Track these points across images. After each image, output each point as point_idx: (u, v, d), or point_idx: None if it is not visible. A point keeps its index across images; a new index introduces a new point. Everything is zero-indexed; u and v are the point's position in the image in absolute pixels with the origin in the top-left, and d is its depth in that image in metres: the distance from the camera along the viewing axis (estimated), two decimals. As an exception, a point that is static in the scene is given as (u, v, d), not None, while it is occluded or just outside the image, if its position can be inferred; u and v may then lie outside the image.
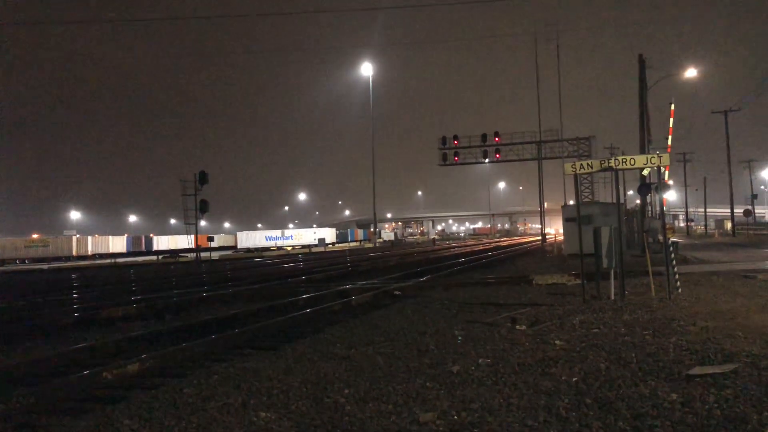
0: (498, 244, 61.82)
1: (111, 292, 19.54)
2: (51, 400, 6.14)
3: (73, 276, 32.09)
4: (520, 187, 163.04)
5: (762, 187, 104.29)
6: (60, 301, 17.10)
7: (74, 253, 67.82)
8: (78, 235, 77.55)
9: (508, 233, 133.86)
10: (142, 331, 10.37)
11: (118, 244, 75.28)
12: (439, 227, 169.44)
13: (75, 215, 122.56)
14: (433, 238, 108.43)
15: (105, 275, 32.95)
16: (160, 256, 64.00)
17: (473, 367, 6.55)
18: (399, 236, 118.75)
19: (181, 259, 55.95)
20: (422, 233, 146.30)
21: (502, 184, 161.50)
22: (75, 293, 20.05)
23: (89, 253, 69.31)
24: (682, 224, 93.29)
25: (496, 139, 48.26)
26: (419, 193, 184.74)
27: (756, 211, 66.46)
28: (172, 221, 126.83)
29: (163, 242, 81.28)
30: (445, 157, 49.38)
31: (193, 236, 48.49)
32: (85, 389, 6.57)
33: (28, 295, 19.74)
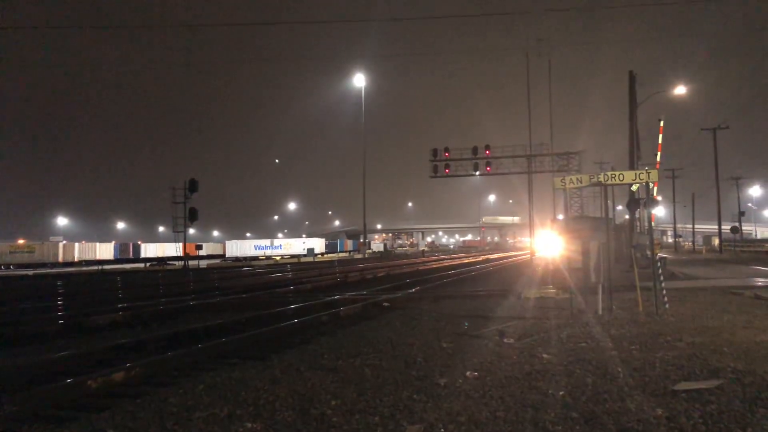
0: (487, 257, 61.94)
1: (97, 300, 19.37)
2: (34, 408, 6.07)
3: (59, 282, 31.75)
4: (510, 200, 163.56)
5: (749, 204, 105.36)
6: (44, 307, 16.92)
7: (60, 259, 67.22)
8: (64, 242, 76.92)
9: (497, 246, 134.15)
10: (127, 339, 10.27)
11: (105, 250, 74.71)
12: (429, 239, 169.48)
13: (62, 221, 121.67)
14: (423, 250, 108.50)
15: (91, 282, 32.66)
16: (148, 264, 63.58)
17: (460, 380, 6.55)
18: (389, 247, 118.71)
19: (168, 267, 55.60)
20: (412, 245, 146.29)
21: (492, 197, 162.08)
22: (60, 300, 19.85)
23: (76, 259, 68.70)
24: (670, 240, 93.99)
25: (487, 152, 48.45)
26: (410, 204, 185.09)
27: (743, 228, 67.06)
28: (161, 229, 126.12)
29: (151, 250, 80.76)
30: (436, 169, 49.48)
31: (181, 244, 48.30)
32: (69, 397, 6.49)
33: (11, 302, 19.51)
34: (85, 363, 8.52)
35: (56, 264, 65.80)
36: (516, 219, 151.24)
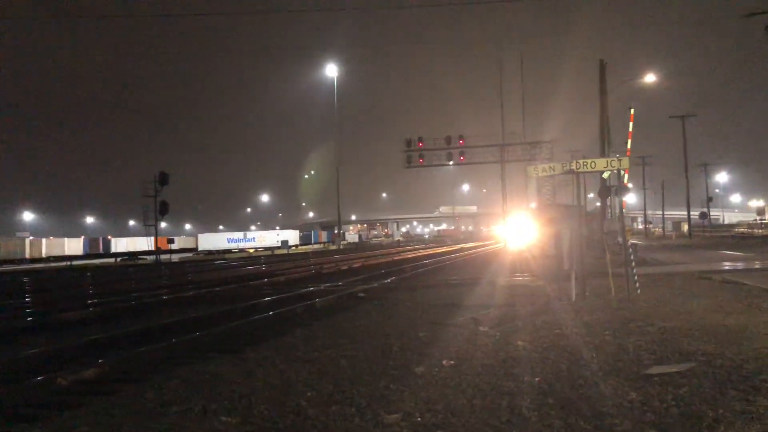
0: (462, 246, 62.31)
1: (66, 296, 19.01)
2: (4, 407, 5.92)
3: (26, 279, 31.10)
4: (484, 190, 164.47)
5: (717, 190, 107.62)
6: (12, 304, 16.54)
7: (27, 255, 65.72)
8: (31, 237, 75.27)
9: (471, 235, 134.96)
10: (99, 335, 10.09)
11: (74, 246, 73.27)
12: (403, 229, 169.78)
13: (28, 216, 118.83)
14: (398, 240, 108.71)
15: (60, 278, 32.06)
16: (119, 259, 62.59)
17: (437, 369, 6.56)
18: (364, 238, 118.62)
19: (140, 262, 54.86)
20: (387, 235, 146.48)
21: (466, 186, 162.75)
22: (28, 297, 19.44)
23: (43, 255, 67.28)
24: (640, 226, 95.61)
25: (461, 141, 48.56)
26: (384, 195, 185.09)
27: (711, 213, 68.45)
28: (132, 223, 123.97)
29: (121, 244, 79.41)
30: (409, 160, 49.38)
31: (152, 238, 47.67)
32: (40, 396, 6.36)
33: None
34: (56, 361, 8.34)
35: (23, 260, 64.31)
36: (474, 208, 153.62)
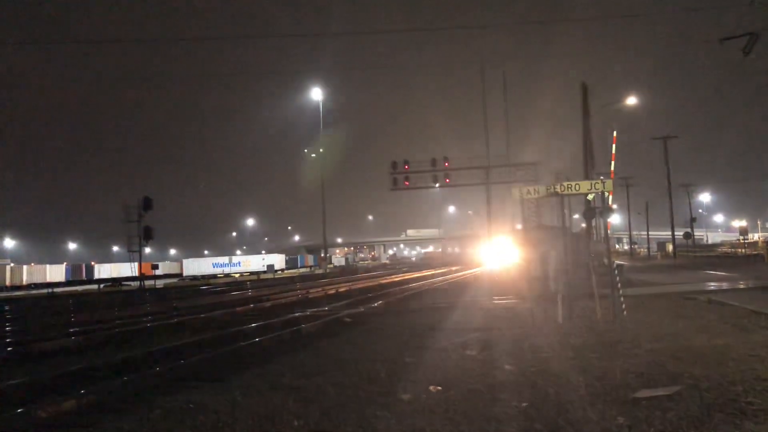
0: (449, 268, 62.26)
1: (47, 324, 18.66)
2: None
3: (6, 307, 30.53)
4: (470, 212, 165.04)
5: (700, 210, 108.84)
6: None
7: (8, 283, 64.64)
8: (12, 264, 74.15)
9: (458, 258, 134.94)
10: (80, 365, 9.89)
11: (56, 273, 72.27)
12: (390, 251, 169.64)
13: (9, 243, 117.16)
14: (384, 263, 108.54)
15: (41, 306, 31.53)
16: (102, 285, 61.78)
17: (424, 395, 6.49)
18: (350, 261, 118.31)
19: (123, 288, 54.17)
20: (374, 258, 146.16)
21: (452, 209, 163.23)
22: (7, 325, 19.06)
23: (24, 282, 66.26)
24: (626, 247, 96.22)
25: (446, 164, 48.84)
26: (370, 217, 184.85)
27: (695, 233, 69.04)
28: (115, 248, 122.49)
29: (105, 270, 78.55)
30: (395, 182, 49.53)
31: (136, 264, 47.11)
32: (18, 428, 6.19)
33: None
34: (35, 392, 8.15)
35: (3, 288, 63.28)
36: (439, 231, 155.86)
